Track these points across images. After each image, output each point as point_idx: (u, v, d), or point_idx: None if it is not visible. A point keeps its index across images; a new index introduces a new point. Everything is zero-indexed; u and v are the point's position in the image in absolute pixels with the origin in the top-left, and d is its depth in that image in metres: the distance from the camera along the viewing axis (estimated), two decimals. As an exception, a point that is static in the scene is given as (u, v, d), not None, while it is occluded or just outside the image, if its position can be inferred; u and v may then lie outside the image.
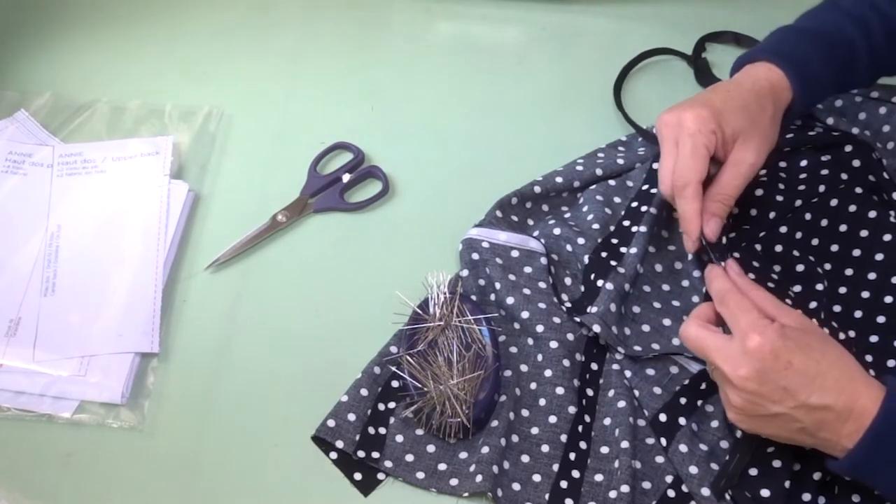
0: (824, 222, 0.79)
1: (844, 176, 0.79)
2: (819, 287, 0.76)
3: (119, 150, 0.88)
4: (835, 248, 0.78)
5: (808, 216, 0.79)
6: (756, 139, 0.70)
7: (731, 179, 0.70)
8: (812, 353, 0.61)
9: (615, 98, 0.93)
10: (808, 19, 0.75)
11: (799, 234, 0.79)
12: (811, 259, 0.78)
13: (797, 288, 0.76)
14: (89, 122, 0.91)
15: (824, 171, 0.79)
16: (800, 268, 0.78)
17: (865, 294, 0.75)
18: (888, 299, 0.74)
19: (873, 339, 0.74)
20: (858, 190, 0.78)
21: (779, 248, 0.79)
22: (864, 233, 0.77)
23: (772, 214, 0.79)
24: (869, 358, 0.72)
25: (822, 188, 0.79)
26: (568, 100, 0.93)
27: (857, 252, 0.77)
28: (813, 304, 0.74)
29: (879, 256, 0.76)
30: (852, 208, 0.78)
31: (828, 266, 0.77)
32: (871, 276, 0.76)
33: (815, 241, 0.78)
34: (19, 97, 0.93)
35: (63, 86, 0.94)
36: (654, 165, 0.84)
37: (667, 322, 0.77)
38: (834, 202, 0.79)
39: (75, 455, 0.74)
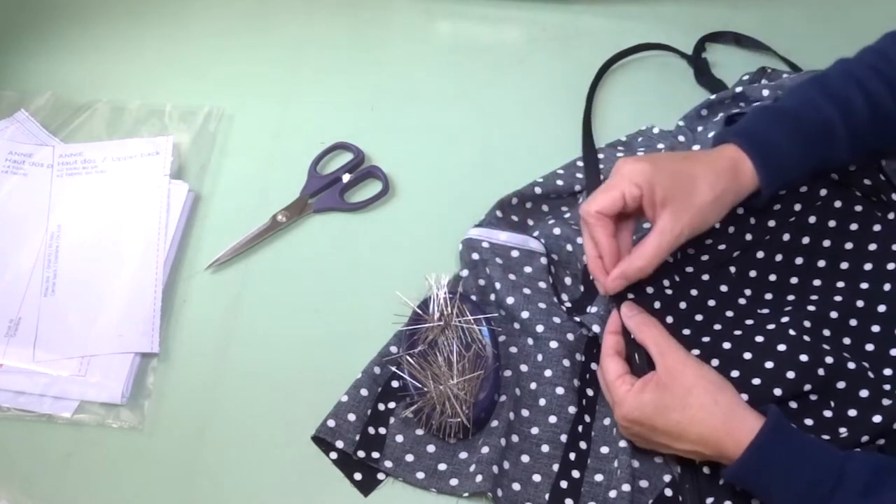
0: (805, 240, 0.79)
1: (823, 192, 0.79)
2: (811, 308, 0.76)
3: (119, 150, 0.88)
4: (822, 263, 0.78)
5: (786, 237, 0.79)
6: (687, 213, 0.69)
7: (651, 248, 0.69)
8: (671, 414, 0.66)
9: (587, 102, 0.92)
10: (789, 98, 0.74)
11: (779, 257, 0.79)
12: (795, 281, 0.78)
13: (767, 309, 0.77)
14: (89, 123, 0.91)
15: (803, 189, 0.79)
16: (769, 296, 0.78)
17: (860, 303, 0.75)
18: (881, 308, 0.74)
19: (869, 347, 0.74)
20: (838, 204, 0.78)
21: (753, 273, 0.79)
22: (848, 245, 0.78)
23: (748, 236, 0.80)
24: (866, 364, 0.72)
25: (798, 206, 0.79)
26: (568, 100, 0.93)
27: (844, 265, 0.77)
28: (785, 319, 0.74)
29: (868, 266, 0.76)
30: (832, 223, 0.78)
31: (817, 282, 0.77)
32: (864, 285, 0.76)
33: (799, 260, 0.79)
34: (19, 97, 0.93)
35: (63, 86, 0.94)
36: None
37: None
38: (812, 219, 0.79)
39: (75, 455, 0.74)
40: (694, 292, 0.79)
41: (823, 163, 0.74)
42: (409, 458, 0.73)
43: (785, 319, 0.74)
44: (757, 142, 0.71)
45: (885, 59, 0.72)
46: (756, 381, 0.70)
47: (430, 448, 0.73)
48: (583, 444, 0.73)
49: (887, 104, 0.71)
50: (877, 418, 0.68)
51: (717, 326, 0.77)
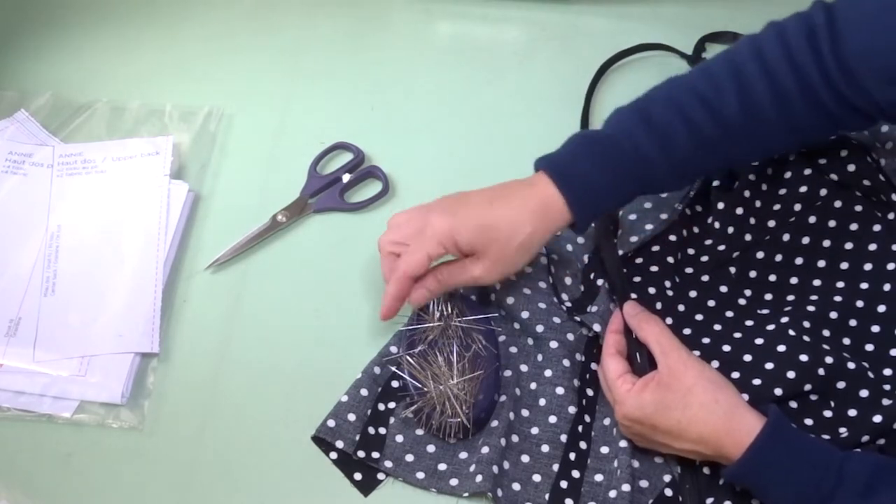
0: (805, 240, 0.79)
1: (823, 192, 0.79)
2: (810, 308, 0.76)
3: (119, 150, 0.88)
4: (821, 263, 0.78)
5: (786, 237, 0.79)
6: (489, 261, 0.70)
7: (452, 277, 0.72)
8: (671, 413, 0.66)
9: (585, 102, 0.92)
10: (614, 124, 0.72)
11: (779, 257, 0.79)
12: (795, 282, 0.78)
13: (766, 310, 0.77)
14: (89, 123, 0.91)
15: (803, 189, 0.79)
16: (769, 296, 0.78)
17: (860, 303, 0.75)
18: (881, 308, 0.74)
19: (868, 347, 0.74)
20: (837, 204, 0.79)
21: (753, 273, 0.79)
22: (848, 245, 0.78)
23: (748, 237, 0.80)
24: (866, 364, 0.72)
25: (798, 206, 0.79)
26: (568, 100, 0.93)
27: (844, 265, 0.77)
28: (785, 319, 0.74)
29: (868, 266, 0.76)
30: (832, 223, 0.78)
31: (817, 282, 0.77)
32: (864, 286, 0.76)
33: (798, 261, 0.79)
34: (19, 97, 0.93)
35: (63, 86, 0.94)
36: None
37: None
38: (812, 219, 0.79)
39: (75, 455, 0.74)
40: (693, 293, 0.79)
41: (642, 192, 0.74)
42: (409, 458, 0.73)
43: (785, 320, 0.74)
44: (568, 177, 0.70)
45: (712, 85, 0.70)
46: (756, 382, 0.70)
47: (430, 448, 0.73)
48: (583, 444, 0.73)
49: (710, 134, 0.70)
50: (877, 418, 0.68)
51: (717, 327, 0.77)
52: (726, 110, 0.69)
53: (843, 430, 0.69)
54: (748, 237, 0.79)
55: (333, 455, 0.73)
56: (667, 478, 0.71)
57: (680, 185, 0.77)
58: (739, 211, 0.79)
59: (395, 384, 0.76)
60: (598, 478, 0.72)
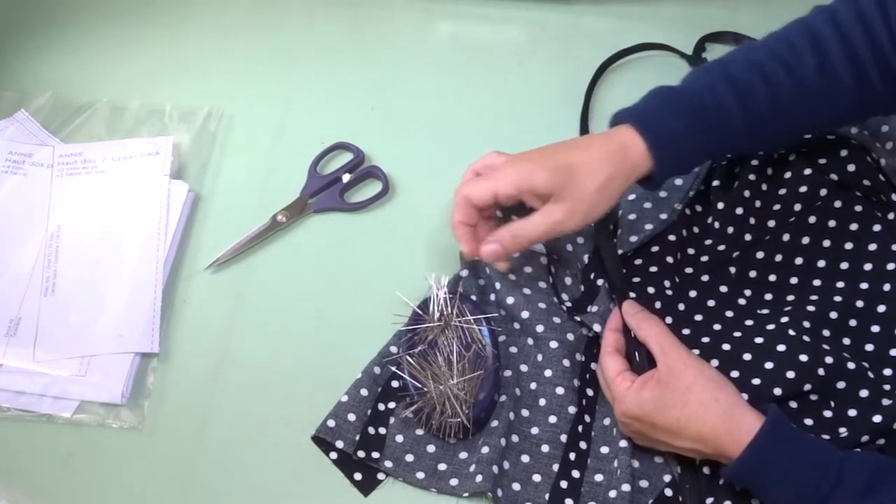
0: (805, 240, 0.79)
1: (823, 192, 0.79)
2: (810, 308, 0.76)
3: (119, 150, 0.88)
4: (821, 263, 0.78)
5: (786, 237, 0.79)
6: (569, 203, 0.69)
7: (535, 225, 0.70)
8: (671, 411, 0.66)
9: (585, 102, 0.92)
10: (692, 81, 0.73)
11: (779, 257, 0.79)
12: (795, 282, 0.78)
13: (766, 311, 0.77)
14: (89, 123, 0.91)
15: (803, 189, 0.79)
16: (769, 296, 0.78)
17: (860, 303, 0.75)
18: (881, 308, 0.74)
19: (868, 347, 0.74)
20: (837, 204, 0.79)
21: (753, 273, 0.79)
22: (848, 245, 0.78)
23: (748, 237, 0.80)
24: (866, 364, 0.72)
25: (798, 206, 0.79)
26: (568, 100, 0.93)
27: (844, 265, 0.77)
28: (785, 319, 0.74)
29: (868, 266, 0.76)
30: (832, 223, 0.79)
31: (817, 282, 0.77)
32: (864, 286, 0.76)
33: (798, 261, 0.79)
34: (19, 97, 0.93)
35: (63, 86, 0.94)
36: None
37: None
38: (812, 219, 0.79)
39: (75, 455, 0.74)
40: (693, 293, 0.79)
41: (720, 149, 0.74)
42: (409, 458, 0.73)
43: (785, 320, 0.74)
44: (650, 123, 0.70)
45: (789, 47, 0.71)
46: (756, 381, 0.70)
47: (430, 448, 0.73)
48: (583, 444, 0.73)
49: (787, 91, 0.70)
50: (877, 418, 0.68)
51: (717, 327, 0.77)
52: (803, 69, 0.70)
53: (843, 430, 0.69)
54: (748, 237, 0.79)
55: (333, 455, 0.73)
56: (667, 478, 0.71)
57: (753, 147, 0.76)
58: (739, 211, 0.79)
59: (395, 384, 0.76)
60: (598, 478, 0.72)
